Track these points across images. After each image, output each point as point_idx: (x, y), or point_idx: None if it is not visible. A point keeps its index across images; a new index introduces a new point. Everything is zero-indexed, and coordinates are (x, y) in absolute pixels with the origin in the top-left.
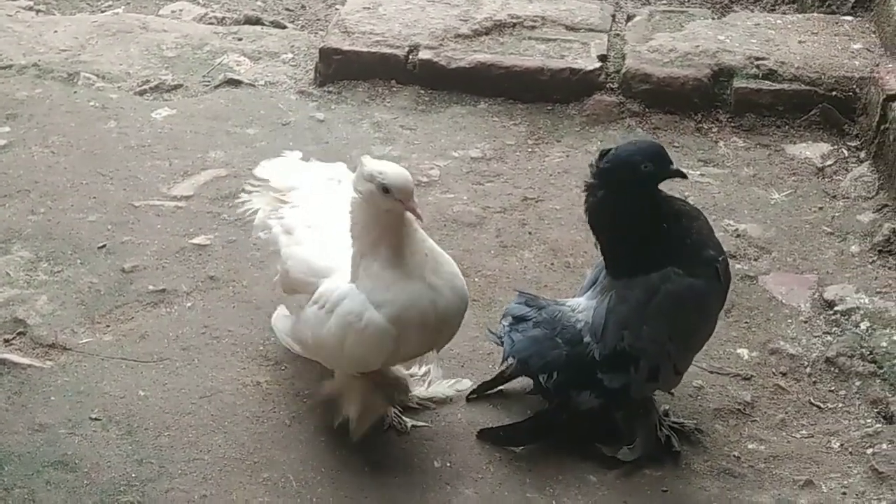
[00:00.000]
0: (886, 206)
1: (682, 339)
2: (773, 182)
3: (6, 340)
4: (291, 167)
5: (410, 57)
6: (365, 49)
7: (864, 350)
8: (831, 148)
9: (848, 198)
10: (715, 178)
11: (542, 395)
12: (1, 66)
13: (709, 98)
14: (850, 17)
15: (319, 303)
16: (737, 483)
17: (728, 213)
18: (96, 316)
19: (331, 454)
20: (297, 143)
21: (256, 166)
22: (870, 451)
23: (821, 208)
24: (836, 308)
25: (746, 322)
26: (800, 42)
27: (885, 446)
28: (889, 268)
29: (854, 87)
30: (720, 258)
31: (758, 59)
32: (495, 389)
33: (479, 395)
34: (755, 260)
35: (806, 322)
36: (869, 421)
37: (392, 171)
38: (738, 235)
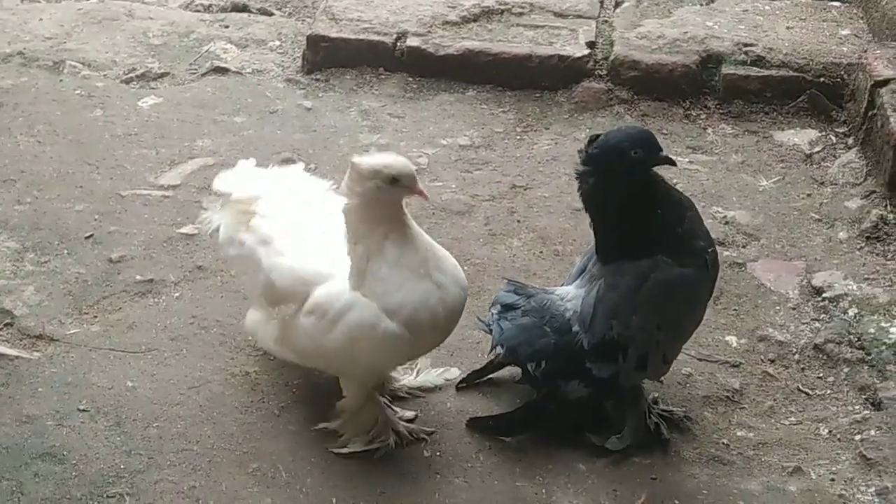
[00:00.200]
0: (874, 192)
1: (671, 328)
2: (762, 169)
3: None
4: (250, 176)
5: (398, 44)
6: (352, 36)
7: (852, 336)
8: (819, 134)
9: (836, 184)
10: (703, 165)
11: (531, 384)
12: None
13: (697, 85)
14: (837, 3)
15: (318, 313)
16: (726, 470)
17: (716, 200)
18: (84, 306)
19: (320, 444)
20: (284, 131)
21: (216, 178)
22: (858, 437)
23: (809, 195)
24: (824, 295)
25: (735, 309)
26: (788, 28)
27: (873, 432)
28: (877, 254)
29: (842, 73)
30: (710, 249)
31: (746, 45)
32: (484, 378)
33: (469, 384)
34: (743, 247)
35: (794, 309)
36: (857, 407)
37: (395, 161)
38: (726, 222)
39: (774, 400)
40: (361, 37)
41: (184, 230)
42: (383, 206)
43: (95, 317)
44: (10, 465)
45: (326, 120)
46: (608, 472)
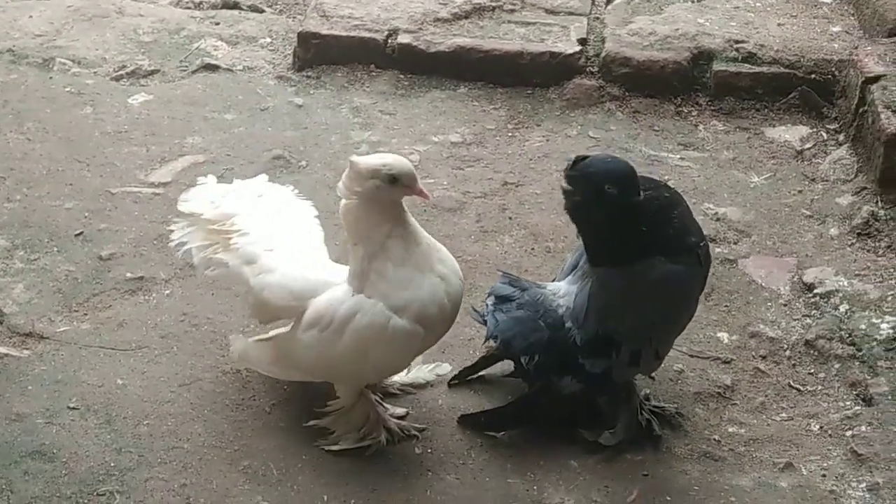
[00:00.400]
0: (865, 188)
1: (664, 324)
2: (753, 165)
3: None
4: (216, 194)
5: (389, 41)
6: (344, 33)
7: (843, 332)
8: (810, 131)
9: (827, 181)
10: (695, 162)
11: (523, 378)
12: None
13: (688, 81)
14: (828, 0)
15: (320, 324)
16: (717, 466)
17: (708, 197)
18: (74, 304)
19: (311, 442)
20: (275, 129)
21: (180, 201)
22: (849, 433)
23: (800, 191)
24: (815, 291)
25: (726, 306)
26: (779, 25)
27: (864, 428)
28: (867, 250)
29: (833, 69)
30: (701, 243)
31: (737, 42)
32: (476, 375)
33: (461, 380)
34: (735, 243)
35: (785, 305)
36: (848, 403)
37: (394, 160)
38: (717, 219)
39: (766, 396)
40: (352, 34)
41: (174, 227)
42: (383, 205)
43: (85, 314)
44: (0, 463)
45: (317, 117)
46: (600, 468)
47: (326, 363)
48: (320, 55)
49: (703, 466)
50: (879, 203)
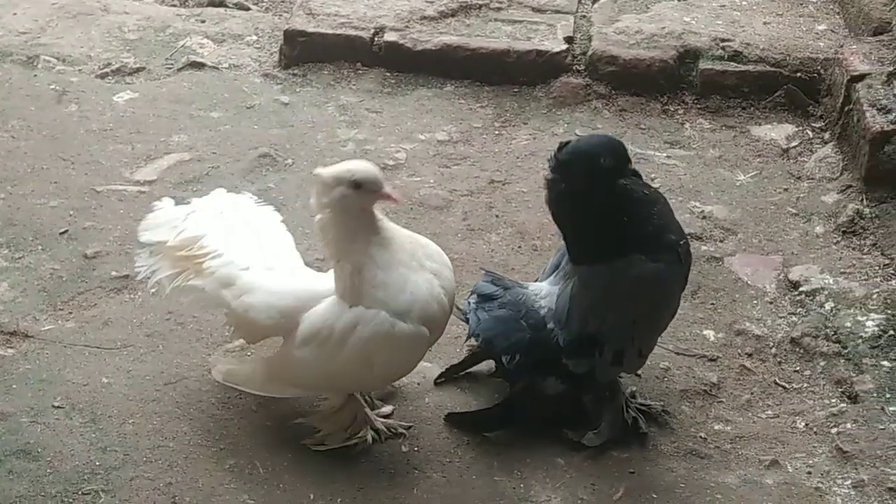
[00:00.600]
0: (850, 186)
1: (646, 322)
2: (739, 163)
3: None
4: (175, 218)
5: (376, 39)
6: (330, 31)
7: (828, 330)
8: (796, 129)
9: (812, 179)
10: (681, 160)
11: (504, 377)
12: None
13: (675, 80)
14: None
15: (317, 340)
16: (703, 464)
17: (694, 195)
18: (58, 303)
19: (297, 440)
20: (261, 127)
21: (140, 231)
22: (834, 430)
23: (786, 189)
24: (800, 289)
25: (712, 303)
26: (765, 23)
27: (849, 426)
28: (853, 248)
29: (818, 68)
30: (681, 241)
31: (723, 40)
32: (462, 373)
33: (447, 378)
34: (721, 241)
35: (771, 303)
36: (833, 401)
37: (356, 165)
38: (703, 217)
39: (752, 393)
40: (339, 31)
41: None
42: (354, 214)
43: (70, 313)
44: None
45: (304, 115)
46: (586, 466)
47: (328, 377)
48: (307, 53)
49: (690, 464)
50: (865, 201)
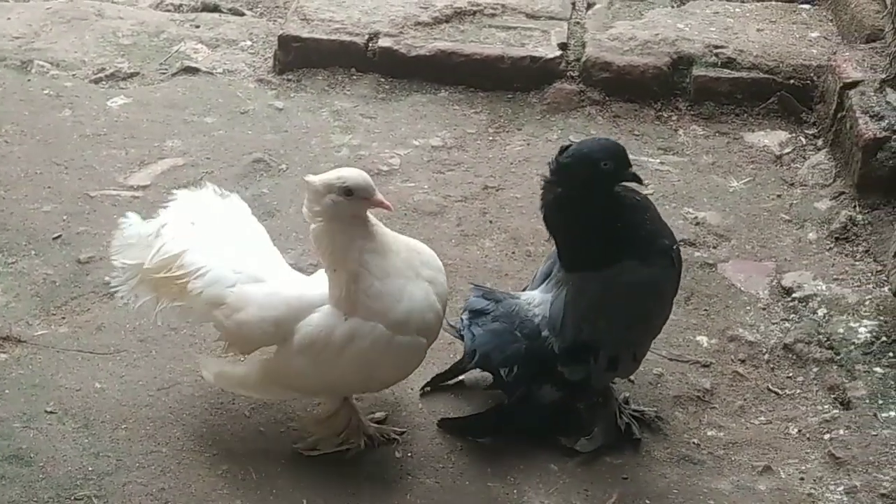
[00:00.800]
0: (843, 193)
1: (641, 328)
2: (732, 170)
3: None
4: (147, 234)
5: (370, 45)
6: (324, 36)
7: (821, 336)
8: (789, 136)
9: (805, 185)
10: (674, 166)
11: (502, 389)
12: None
13: (668, 86)
14: (807, 6)
15: (315, 348)
16: (696, 469)
17: (687, 201)
18: (52, 308)
19: (290, 445)
20: (255, 132)
21: (113, 255)
22: (827, 436)
23: (779, 196)
24: (793, 295)
25: (706, 309)
26: (758, 30)
27: (842, 432)
28: (846, 255)
29: (811, 75)
30: (674, 246)
31: (717, 47)
32: (453, 381)
33: (434, 387)
34: (714, 247)
35: (764, 309)
36: (826, 407)
37: (347, 172)
38: (697, 223)
39: (745, 399)
40: (333, 37)
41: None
42: (347, 221)
43: (63, 318)
44: None
45: (298, 120)
46: (580, 471)
47: (325, 384)
48: (301, 58)
49: (683, 470)
50: (857, 208)
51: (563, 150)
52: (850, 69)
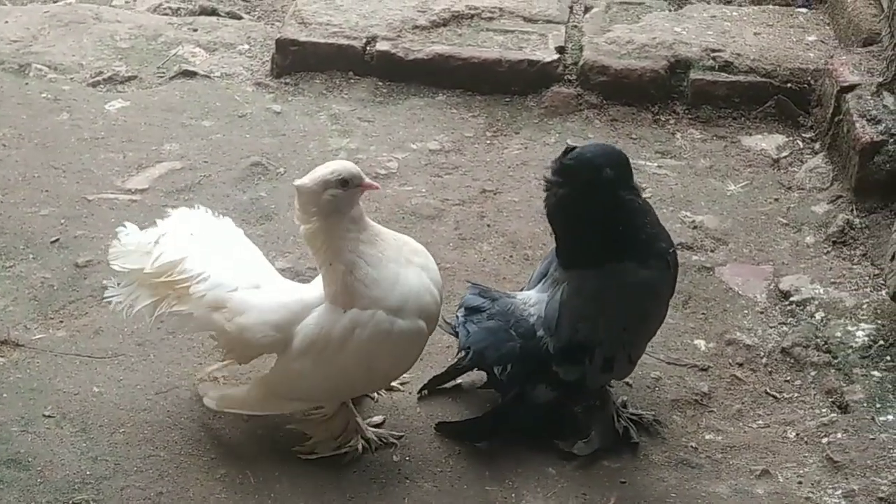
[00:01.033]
0: (840, 196)
1: (637, 329)
2: (730, 174)
3: None
4: (146, 243)
5: (368, 48)
6: (322, 40)
7: (818, 340)
8: (786, 139)
9: (803, 189)
10: (672, 170)
11: (496, 388)
12: None
13: (666, 90)
14: (804, 9)
15: (314, 350)
16: (694, 473)
17: (685, 205)
18: (49, 312)
19: (288, 449)
20: (253, 135)
21: (111, 260)
22: (825, 440)
23: (776, 199)
24: (791, 299)
25: (703, 313)
26: (755, 34)
27: (839, 435)
28: (843, 258)
29: (809, 78)
30: (671, 249)
31: (714, 50)
32: (450, 384)
33: (431, 390)
34: (712, 251)
35: (762, 313)
36: (824, 410)
37: (337, 165)
38: (694, 227)
39: (742, 403)
40: (331, 41)
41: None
42: (342, 214)
43: (61, 322)
44: None
45: (295, 124)
46: (577, 475)
47: (329, 384)
48: (298, 62)
49: (681, 473)
50: (855, 211)
51: (567, 151)
52: (847, 73)
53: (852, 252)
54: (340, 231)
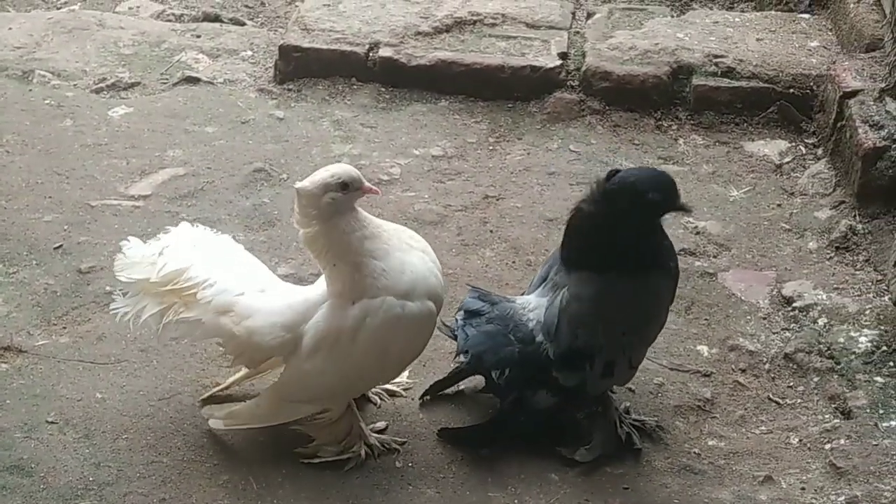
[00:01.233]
0: (843, 202)
1: (637, 335)
2: (732, 179)
3: None
4: (150, 255)
5: (371, 54)
6: (325, 46)
7: (821, 346)
8: (789, 145)
9: (805, 195)
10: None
11: (494, 393)
12: None
13: (668, 96)
14: (807, 15)
15: (326, 345)
16: (697, 479)
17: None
18: (52, 317)
19: (291, 455)
20: (256, 142)
21: (116, 272)
22: (828, 446)
23: (779, 205)
24: (794, 304)
25: (706, 319)
26: (758, 40)
27: (842, 441)
28: (846, 264)
29: (811, 84)
30: (673, 255)
31: (716, 56)
32: (452, 390)
33: (433, 395)
34: (714, 257)
35: (765, 318)
36: (827, 416)
37: (337, 168)
38: (697, 232)
39: (745, 409)
40: (334, 47)
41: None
42: (342, 216)
43: (64, 328)
44: None
45: (298, 130)
46: (580, 481)
47: (344, 378)
48: (301, 68)
49: (683, 480)
50: (857, 217)
51: (611, 175)
52: (850, 78)
53: (855, 258)
54: (342, 233)
